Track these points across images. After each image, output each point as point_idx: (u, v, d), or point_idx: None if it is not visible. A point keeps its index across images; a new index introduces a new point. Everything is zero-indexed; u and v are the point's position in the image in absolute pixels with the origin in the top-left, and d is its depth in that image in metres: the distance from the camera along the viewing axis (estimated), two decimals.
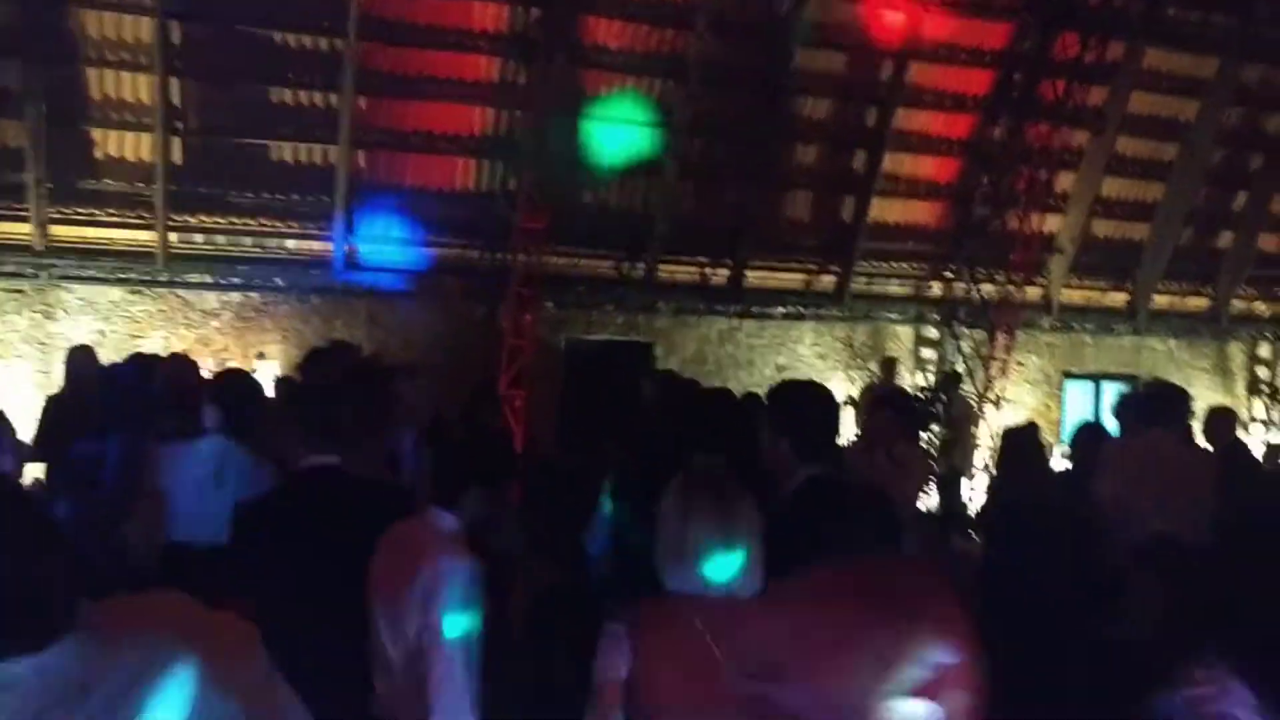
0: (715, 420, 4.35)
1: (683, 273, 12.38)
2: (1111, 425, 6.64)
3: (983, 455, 12.68)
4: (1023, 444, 6.06)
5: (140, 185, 10.36)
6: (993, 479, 5.74)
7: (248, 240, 10.93)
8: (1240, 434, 7.52)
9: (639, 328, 12.40)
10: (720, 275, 12.49)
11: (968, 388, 12.91)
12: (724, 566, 2.57)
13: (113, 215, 10.45)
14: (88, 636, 1.69)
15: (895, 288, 13.37)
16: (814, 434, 3.66)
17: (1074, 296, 13.97)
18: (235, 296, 10.96)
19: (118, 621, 1.75)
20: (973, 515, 9.84)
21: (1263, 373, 15.13)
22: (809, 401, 3.82)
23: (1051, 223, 13.25)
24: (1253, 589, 2.41)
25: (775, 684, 2.32)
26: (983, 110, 12.71)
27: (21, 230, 10.17)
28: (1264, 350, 15.15)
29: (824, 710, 2.29)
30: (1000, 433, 7.39)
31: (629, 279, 12.14)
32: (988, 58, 12.44)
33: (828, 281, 12.95)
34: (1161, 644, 3.08)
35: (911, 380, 13.32)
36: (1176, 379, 14.11)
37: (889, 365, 13.00)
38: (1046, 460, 5.49)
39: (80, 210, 10.34)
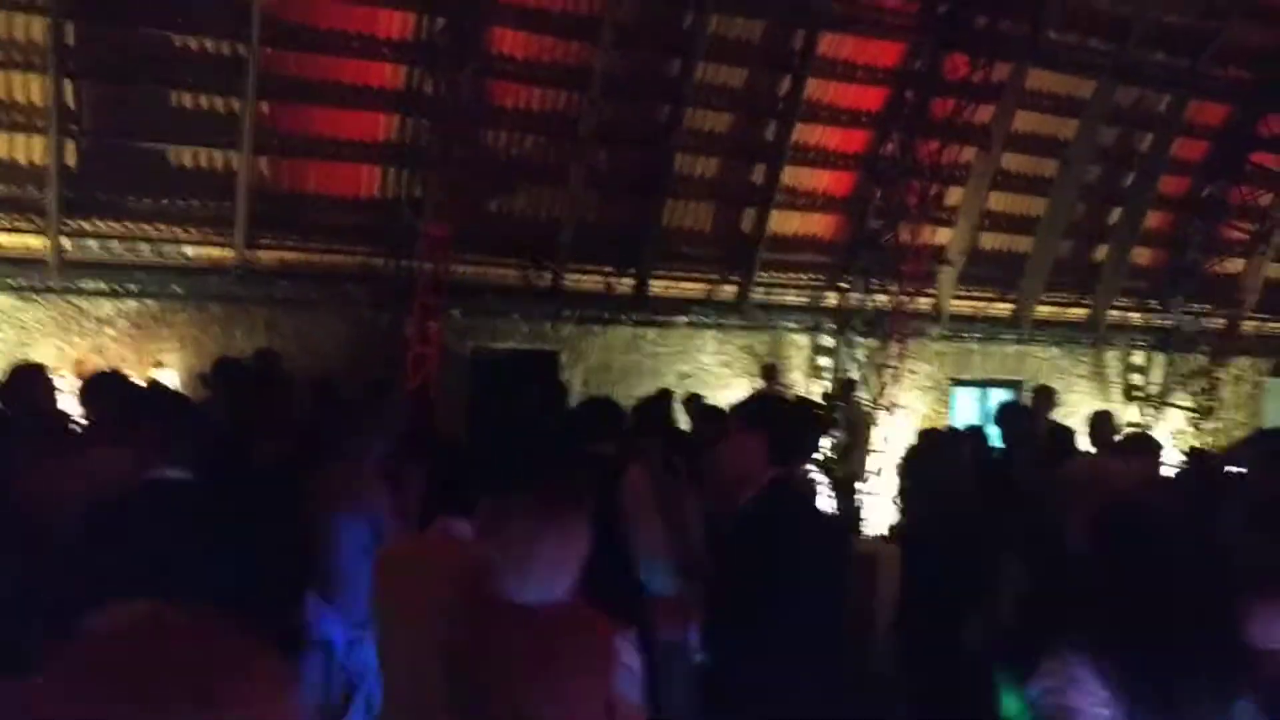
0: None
1: (588, 282, 12.52)
2: (993, 431, 7.11)
3: (877, 460, 13.11)
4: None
5: (32, 189, 10.07)
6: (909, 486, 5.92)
7: (145, 246, 10.70)
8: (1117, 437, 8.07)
9: (545, 336, 12.49)
10: (625, 284, 12.67)
11: (863, 394, 13.32)
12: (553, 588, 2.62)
13: (2, 221, 10.13)
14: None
15: (793, 297, 13.72)
16: (784, 439, 3.76)
17: (962, 306, 14.52)
18: (132, 304, 10.72)
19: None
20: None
21: (1137, 379, 15.93)
22: (782, 408, 3.96)
23: (941, 235, 13.77)
24: (1111, 582, 2.58)
25: None
26: (877, 126, 13.16)
27: None
28: (1138, 358, 15.94)
29: None
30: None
31: (535, 288, 12.22)
32: (881, 75, 12.89)
33: (729, 291, 13.23)
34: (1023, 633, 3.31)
35: (807, 388, 13.67)
36: (1057, 385, 14.81)
37: (769, 370, 13.29)
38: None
39: None
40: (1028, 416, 7.78)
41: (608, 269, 12.55)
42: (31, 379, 5.30)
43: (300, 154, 10.99)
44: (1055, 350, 15.29)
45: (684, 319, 13.14)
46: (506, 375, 11.16)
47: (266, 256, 11.11)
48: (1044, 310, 14.94)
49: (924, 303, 13.85)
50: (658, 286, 12.81)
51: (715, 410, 8.03)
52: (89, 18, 9.84)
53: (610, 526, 4.11)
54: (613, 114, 11.81)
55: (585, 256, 12.29)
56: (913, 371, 14.08)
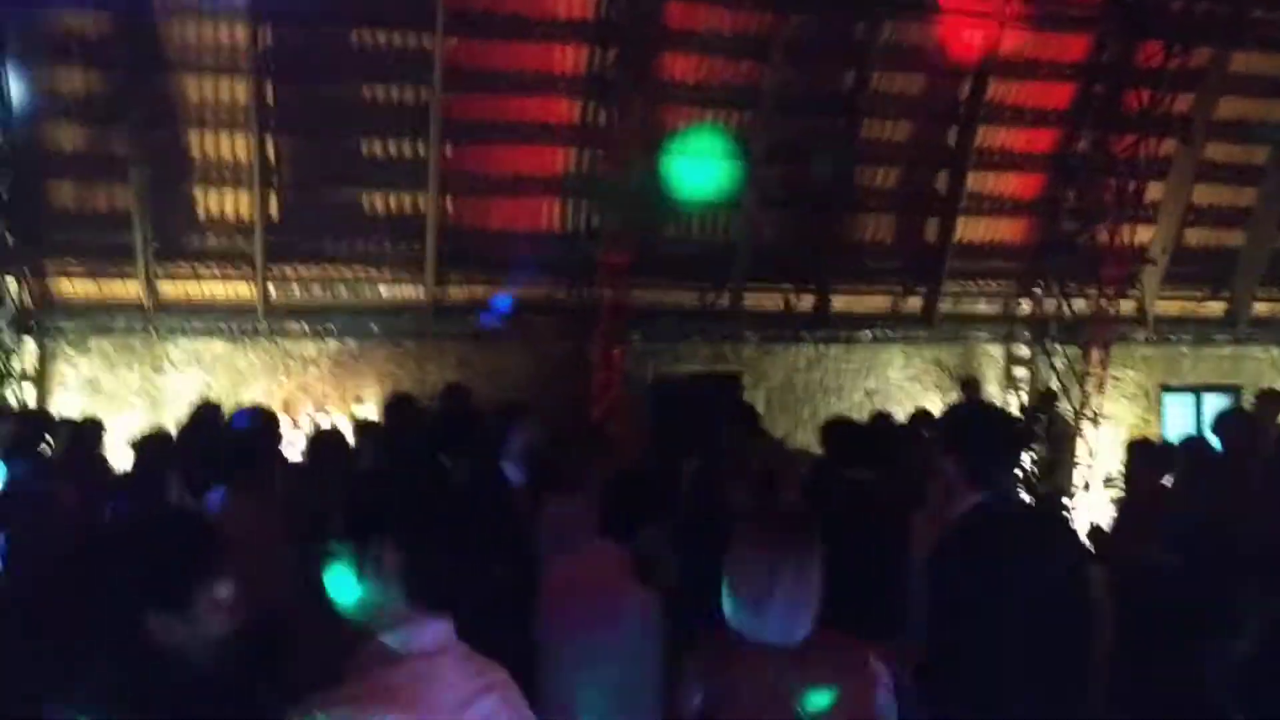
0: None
1: (767, 301, 12.41)
2: (1213, 440, 6.54)
3: (1082, 474, 12.46)
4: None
5: (240, 240, 10.73)
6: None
7: (343, 289, 11.23)
8: None
9: (726, 358, 12.44)
10: (805, 302, 12.49)
11: (1064, 406, 12.68)
12: (799, 624, 2.63)
13: (214, 271, 10.83)
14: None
15: (984, 307, 13.23)
16: (983, 457, 3.42)
17: (1169, 308, 13.67)
18: (332, 344, 11.27)
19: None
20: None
21: None
22: (981, 423, 3.67)
23: (1142, 234, 13.01)
24: None
25: None
26: (1066, 123, 12.57)
27: (130, 290, 10.61)
28: None
29: None
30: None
31: (714, 310, 12.20)
32: (1068, 70, 12.30)
33: (915, 303, 12.87)
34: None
35: (1004, 400, 13.13)
36: None
37: (969, 385, 12.81)
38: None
39: (184, 267, 10.74)
40: (1251, 425, 7.15)
41: (787, 287, 12.40)
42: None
43: (483, 192, 11.31)
44: (1277, 351, 14.19)
45: (868, 334, 12.84)
46: (689, 399, 11.17)
47: (456, 293, 11.48)
48: (1261, 308, 13.92)
49: (1127, 305, 13.11)
50: (840, 302, 12.58)
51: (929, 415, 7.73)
52: (285, 77, 10.42)
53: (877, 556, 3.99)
54: (786, 130, 11.68)
55: (764, 276, 12.18)
56: (1117, 379, 13.34)
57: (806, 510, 3.38)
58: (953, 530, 3.37)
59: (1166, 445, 7.04)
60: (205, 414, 6.27)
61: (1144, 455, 6.19)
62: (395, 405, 6.92)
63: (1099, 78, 12.30)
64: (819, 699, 2.79)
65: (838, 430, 5.60)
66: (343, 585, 1.95)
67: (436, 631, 1.97)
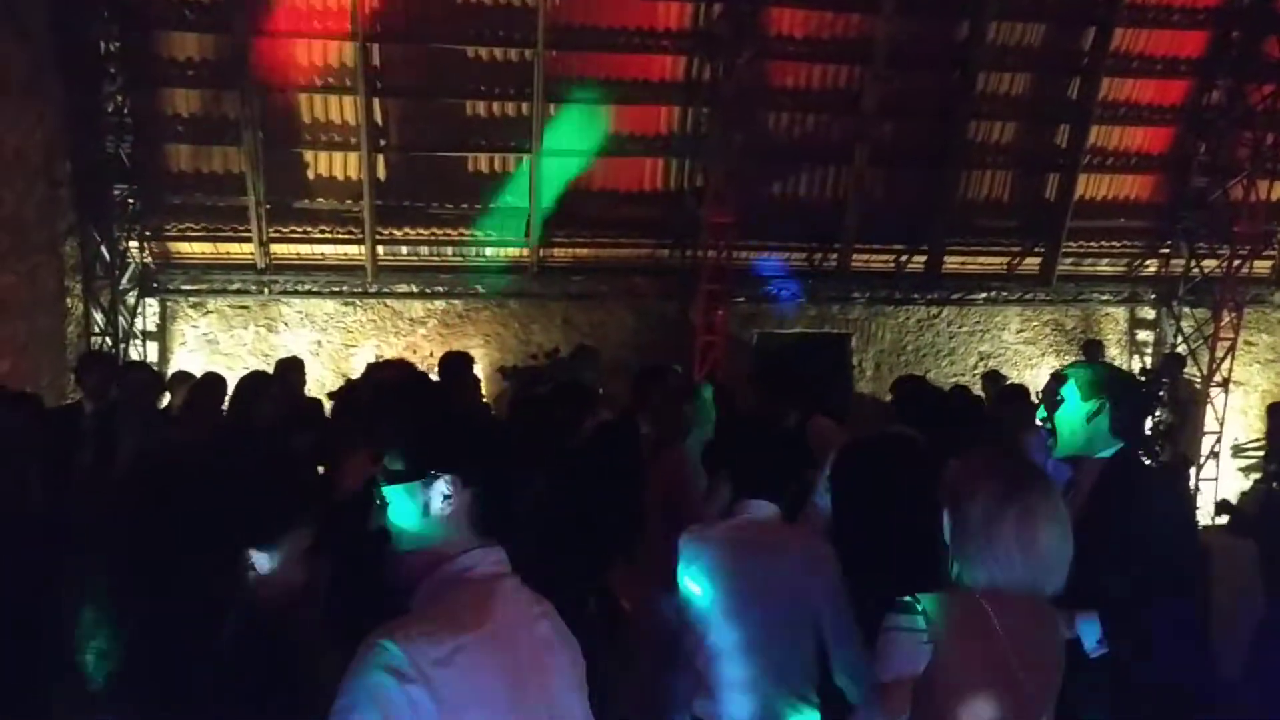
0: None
1: (877, 261, 12.10)
2: None
3: (1209, 442, 11.90)
4: None
5: (349, 202, 10.91)
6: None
7: (449, 250, 11.34)
8: None
9: (833, 319, 12.20)
10: (916, 262, 12.14)
11: (1191, 370, 12.10)
12: (1057, 569, 2.42)
13: (325, 232, 11.04)
14: None
15: (1106, 267, 12.67)
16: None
17: None
18: (439, 304, 11.41)
19: None
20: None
21: None
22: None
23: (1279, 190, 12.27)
24: None
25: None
26: (1198, 73, 11.88)
27: (245, 250, 10.90)
28: None
29: None
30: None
31: (821, 270, 11.95)
32: (1202, 16, 11.61)
33: (1032, 263, 12.39)
34: None
35: (1127, 364, 12.59)
36: None
37: (1092, 347, 12.30)
38: None
39: (296, 229, 10.98)
40: None
41: (898, 247, 12.06)
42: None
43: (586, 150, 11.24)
44: None
45: (983, 295, 12.43)
46: (793, 360, 11.00)
47: (559, 253, 11.49)
48: None
49: (1261, 266, 12.41)
50: (953, 262, 12.18)
51: (1018, 390, 7.50)
52: (391, 39, 10.50)
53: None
54: (898, 85, 11.30)
55: (873, 235, 11.86)
56: (1250, 343, 12.66)
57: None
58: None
59: None
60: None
61: None
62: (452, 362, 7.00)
63: (1235, 23, 11.58)
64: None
65: (907, 386, 5.75)
66: (405, 517, 2.05)
67: (494, 558, 2.07)
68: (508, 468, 2.13)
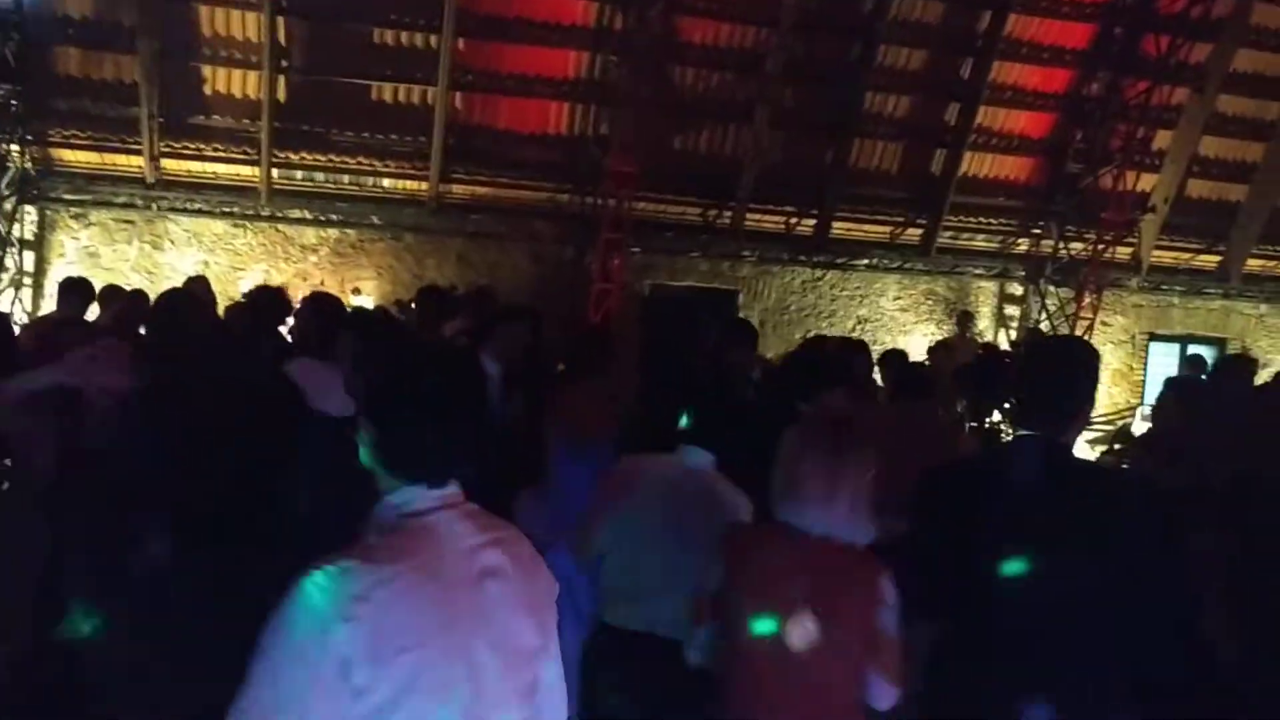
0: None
1: (769, 222, 12.43)
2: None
3: None
4: None
5: (246, 122, 10.65)
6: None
7: (346, 178, 11.20)
8: None
9: (723, 275, 12.51)
10: (806, 225, 12.53)
11: None
12: (824, 514, 2.80)
13: (219, 151, 10.77)
14: None
15: (981, 242, 13.29)
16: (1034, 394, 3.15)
17: (1164, 257, 13.75)
18: (333, 232, 11.28)
19: None
20: None
21: None
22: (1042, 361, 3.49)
23: (1145, 181, 13.03)
24: None
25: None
26: (1082, 64, 12.50)
27: (133, 163, 10.56)
28: None
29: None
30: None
31: (715, 226, 12.23)
32: (1089, 10, 12.19)
33: (914, 234, 12.91)
34: None
35: (994, 336, 13.28)
36: (1265, 344, 13.95)
37: (964, 319, 12.95)
38: None
39: (189, 145, 10.67)
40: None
41: (789, 209, 12.42)
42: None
43: (493, 90, 11.22)
44: (1265, 307, 14.34)
45: (865, 261, 12.91)
46: (682, 312, 11.25)
47: (459, 190, 11.47)
48: (1254, 264, 14.01)
49: (1123, 252, 13.20)
50: (840, 228, 12.61)
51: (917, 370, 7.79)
52: None
53: None
54: (802, 50, 11.59)
55: (768, 196, 12.18)
56: (1106, 324, 13.49)
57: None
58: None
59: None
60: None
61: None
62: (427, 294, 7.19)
63: (1119, 20, 12.21)
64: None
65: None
66: (364, 458, 2.10)
67: (434, 494, 2.08)
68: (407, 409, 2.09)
